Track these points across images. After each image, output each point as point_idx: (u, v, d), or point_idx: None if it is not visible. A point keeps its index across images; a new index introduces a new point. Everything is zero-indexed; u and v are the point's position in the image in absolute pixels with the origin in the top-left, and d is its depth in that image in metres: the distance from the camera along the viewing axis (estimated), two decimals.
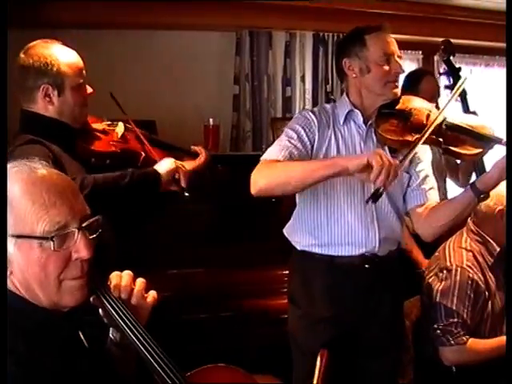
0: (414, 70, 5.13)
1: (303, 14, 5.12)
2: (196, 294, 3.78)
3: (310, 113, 2.81)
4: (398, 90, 2.82)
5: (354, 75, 2.79)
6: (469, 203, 2.69)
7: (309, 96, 5.28)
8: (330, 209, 2.79)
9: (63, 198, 1.60)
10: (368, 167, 2.37)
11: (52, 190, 1.60)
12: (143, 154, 3.06)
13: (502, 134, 2.77)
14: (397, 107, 2.81)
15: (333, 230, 2.78)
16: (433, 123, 2.70)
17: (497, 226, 3.22)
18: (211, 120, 4.72)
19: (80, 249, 1.61)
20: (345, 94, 2.91)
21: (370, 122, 2.82)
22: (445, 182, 4.47)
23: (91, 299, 1.75)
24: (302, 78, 5.28)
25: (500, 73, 6.30)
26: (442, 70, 4.14)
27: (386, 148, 2.80)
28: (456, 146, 2.76)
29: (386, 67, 2.74)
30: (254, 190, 2.63)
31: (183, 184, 2.95)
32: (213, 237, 4.06)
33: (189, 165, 3.21)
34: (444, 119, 2.77)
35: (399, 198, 2.85)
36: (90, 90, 2.86)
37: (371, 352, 2.88)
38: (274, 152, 2.71)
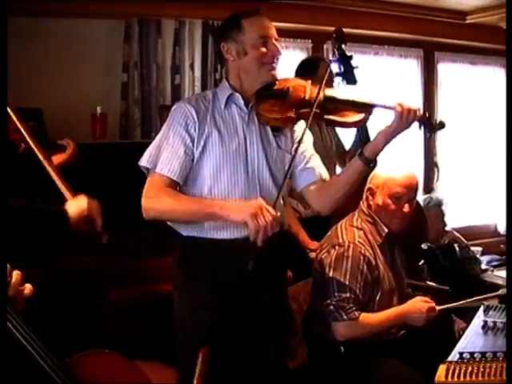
0: (309, 57, 5.27)
1: (192, 1, 5.10)
2: (88, 281, 3.80)
3: (188, 105, 2.81)
4: (276, 73, 2.86)
5: (232, 58, 2.83)
6: (360, 172, 2.81)
7: (198, 84, 5.26)
8: (213, 191, 2.77)
9: None
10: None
11: None
12: (23, 144, 3.00)
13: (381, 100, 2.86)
14: (274, 88, 2.86)
15: None
16: (316, 98, 2.76)
17: (382, 207, 3.30)
18: (99, 108, 4.70)
19: None
20: (225, 79, 2.95)
21: (251, 105, 2.84)
22: (334, 168, 4.54)
23: None
24: (191, 66, 5.25)
25: (388, 61, 6.45)
26: (333, 58, 4.19)
27: (269, 128, 2.86)
28: (337, 115, 2.85)
29: (263, 49, 2.78)
30: (146, 217, 2.76)
31: (98, 227, 2.84)
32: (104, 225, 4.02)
33: (58, 158, 3.18)
34: (323, 93, 2.83)
35: (281, 179, 2.84)
36: None
37: (258, 336, 2.87)
38: (161, 164, 2.74)
